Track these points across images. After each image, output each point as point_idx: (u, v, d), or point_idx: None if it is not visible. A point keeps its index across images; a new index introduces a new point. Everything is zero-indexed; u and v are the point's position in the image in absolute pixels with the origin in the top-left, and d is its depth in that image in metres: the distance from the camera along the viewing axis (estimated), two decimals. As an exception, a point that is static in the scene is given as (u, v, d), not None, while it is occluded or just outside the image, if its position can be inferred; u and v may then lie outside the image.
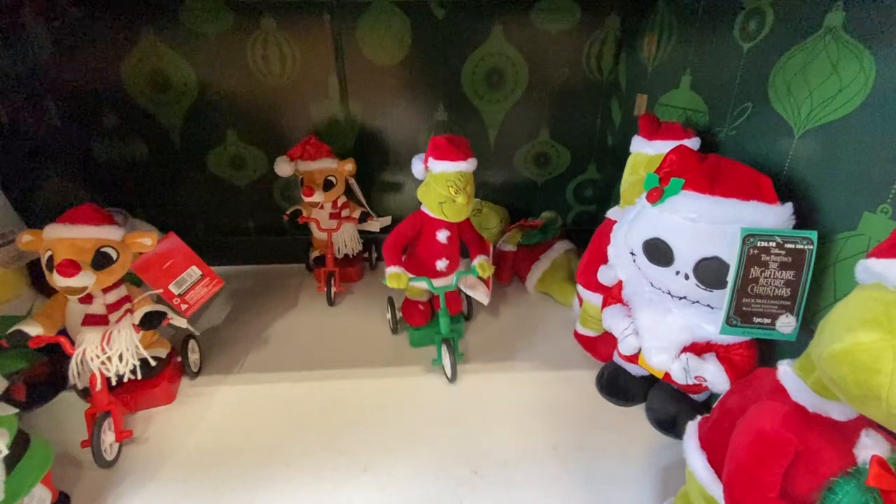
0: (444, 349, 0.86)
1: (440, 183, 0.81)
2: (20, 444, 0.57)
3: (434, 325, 0.94)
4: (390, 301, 1.02)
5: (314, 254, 1.24)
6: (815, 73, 0.59)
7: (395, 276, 0.84)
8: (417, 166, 0.86)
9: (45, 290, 0.85)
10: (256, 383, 0.87)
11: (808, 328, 0.58)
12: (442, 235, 0.87)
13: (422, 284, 0.88)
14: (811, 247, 0.55)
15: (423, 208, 0.87)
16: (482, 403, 0.82)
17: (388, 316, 1.01)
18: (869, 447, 0.42)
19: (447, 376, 0.86)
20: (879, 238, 0.50)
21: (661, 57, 0.96)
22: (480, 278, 0.92)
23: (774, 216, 0.57)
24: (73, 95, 1.08)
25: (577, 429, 0.77)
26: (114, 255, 0.70)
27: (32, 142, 1.04)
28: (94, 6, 1.01)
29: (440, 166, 0.81)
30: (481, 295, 0.92)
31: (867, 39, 0.53)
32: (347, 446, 0.73)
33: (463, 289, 0.92)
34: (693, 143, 0.75)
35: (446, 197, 0.81)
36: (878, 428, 0.43)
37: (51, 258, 0.66)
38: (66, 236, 0.67)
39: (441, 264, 0.90)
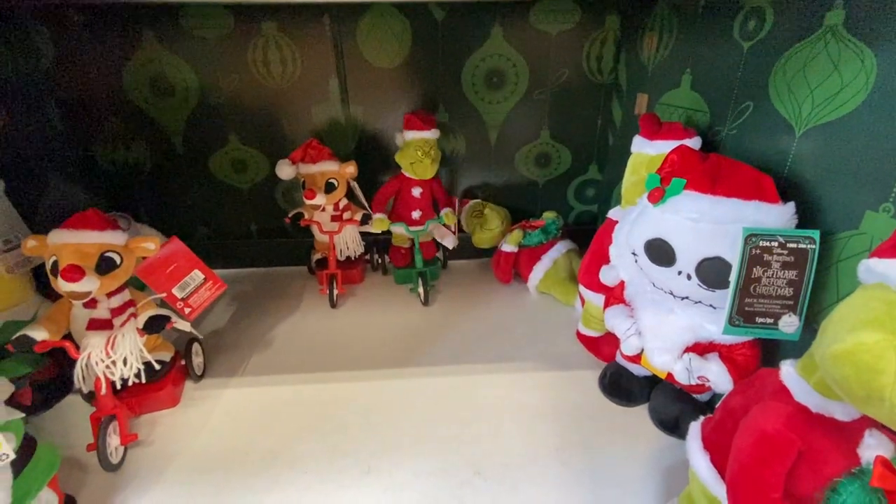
0: (419, 281, 1.12)
1: (411, 148, 1.06)
2: (27, 448, 0.57)
3: (413, 266, 1.18)
4: (374, 244, 1.27)
5: (316, 256, 1.24)
6: (816, 72, 0.59)
7: (379, 220, 1.11)
8: (398, 137, 1.11)
9: (51, 295, 0.85)
10: (260, 386, 0.87)
11: (810, 328, 0.58)
12: (416, 191, 1.14)
13: (399, 228, 1.14)
14: (813, 246, 0.55)
15: (403, 171, 1.11)
16: (484, 404, 0.82)
17: (376, 259, 1.28)
18: (873, 447, 0.42)
19: (421, 300, 1.13)
20: (882, 237, 0.50)
21: (662, 56, 0.96)
22: (447, 226, 1.16)
23: (776, 216, 0.57)
24: (75, 100, 1.09)
25: (579, 429, 0.77)
26: (117, 260, 0.70)
27: (36, 147, 1.04)
28: (97, 12, 1.02)
29: (410, 135, 1.06)
30: (449, 240, 1.17)
31: (868, 37, 0.53)
32: (351, 448, 0.73)
33: (435, 236, 1.20)
34: (694, 142, 0.75)
35: (415, 158, 1.06)
36: (882, 428, 0.43)
37: (55, 263, 0.67)
38: (70, 241, 0.68)
39: (415, 214, 1.15)
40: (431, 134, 1.07)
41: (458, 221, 1.31)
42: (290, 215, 1.15)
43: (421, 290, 1.12)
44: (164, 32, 1.05)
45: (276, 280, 1.27)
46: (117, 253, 0.70)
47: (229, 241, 1.30)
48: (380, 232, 1.19)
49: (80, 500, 0.65)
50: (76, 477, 0.69)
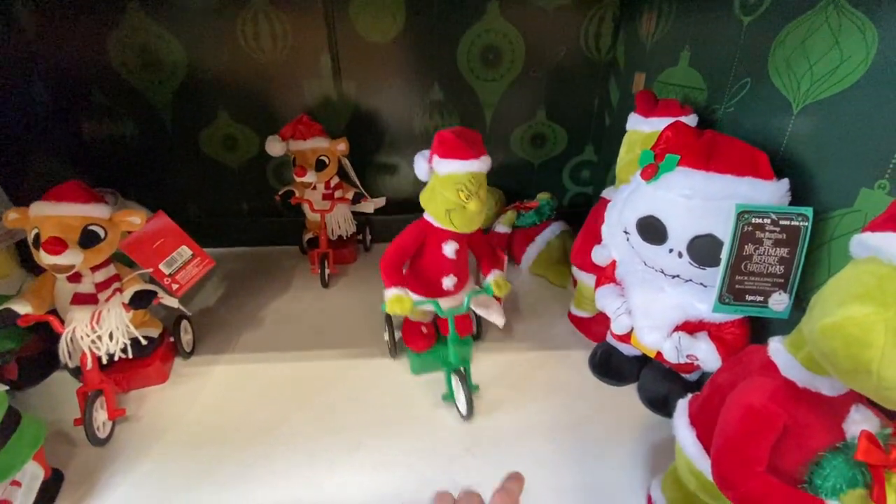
0: (454, 381, 0.73)
1: (448, 187, 0.69)
2: (11, 421, 0.57)
3: (440, 350, 0.82)
4: (387, 320, 0.87)
5: (308, 235, 1.23)
6: (816, 47, 0.58)
7: (396, 300, 0.70)
8: (421, 166, 0.72)
9: (36, 269, 0.84)
10: (250, 363, 0.87)
11: (800, 306, 0.57)
12: (449, 248, 0.75)
13: (428, 308, 0.75)
14: (806, 223, 0.54)
15: (427, 216, 0.75)
16: (475, 382, 0.82)
17: (386, 337, 0.87)
18: (858, 422, 0.42)
19: (461, 413, 0.73)
20: (876, 214, 0.50)
21: (660, 34, 0.94)
22: (495, 297, 0.78)
23: (770, 192, 0.56)
24: (60, 73, 1.06)
25: (569, 408, 0.77)
26: (101, 234, 0.69)
27: (19, 121, 1.02)
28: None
29: (448, 167, 0.69)
30: (496, 316, 0.78)
31: (871, 9, 0.51)
32: (341, 426, 0.73)
33: (474, 309, 0.80)
34: (690, 119, 0.73)
35: (455, 203, 0.69)
36: (868, 403, 0.43)
37: (37, 236, 0.65)
38: (52, 214, 0.66)
39: (448, 282, 0.78)
40: (481, 164, 0.71)
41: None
42: (280, 193, 1.13)
43: (460, 395, 0.73)
44: (149, 2, 1.02)
45: (267, 259, 1.26)
46: (101, 226, 0.69)
47: (220, 219, 1.28)
48: (373, 211, 1.18)
49: (67, 474, 0.65)
50: (64, 451, 0.68)
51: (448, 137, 0.69)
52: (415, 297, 0.75)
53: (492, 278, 0.78)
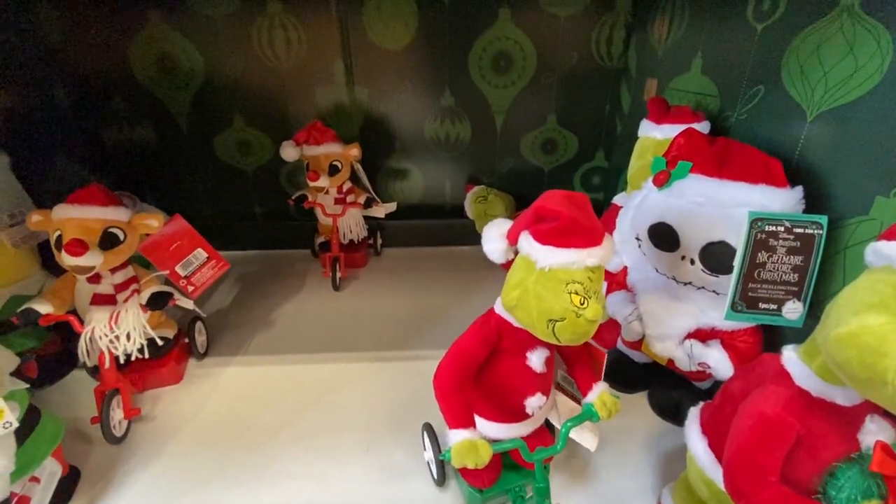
0: None
1: (554, 286, 0.45)
2: (31, 418, 0.58)
3: (509, 482, 0.59)
4: (429, 430, 0.65)
5: (319, 239, 1.25)
6: (831, 54, 0.57)
7: (468, 447, 0.49)
8: (496, 245, 0.50)
9: (56, 270, 0.86)
10: (263, 365, 0.88)
11: (814, 315, 0.57)
12: (537, 359, 0.53)
13: (509, 446, 0.52)
14: (821, 231, 0.54)
15: (502, 312, 0.53)
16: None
17: (428, 456, 0.65)
18: (873, 433, 0.41)
19: None
20: (892, 222, 0.49)
21: (672, 40, 0.94)
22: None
23: (783, 200, 0.56)
24: (81, 79, 1.09)
25: (579, 414, 0.77)
26: (121, 236, 0.70)
27: (42, 124, 1.05)
28: (102, -11, 1.01)
29: (556, 257, 0.45)
30: (588, 439, 0.60)
31: (886, 17, 0.51)
32: (352, 427, 0.74)
33: (571, 436, 0.56)
34: (702, 126, 0.73)
35: (566, 310, 0.45)
36: (884, 414, 0.42)
37: (59, 238, 0.67)
38: (74, 216, 0.68)
39: (533, 403, 0.55)
40: (602, 253, 0.46)
41: (462, 207, 1.28)
42: (293, 197, 1.15)
43: None
44: (169, 11, 1.04)
45: (279, 262, 1.27)
46: (121, 229, 0.70)
47: (233, 222, 1.30)
48: (384, 216, 1.19)
49: (84, 472, 0.66)
50: (81, 449, 0.70)
51: (554, 212, 0.45)
52: (487, 426, 0.54)
53: (595, 397, 0.56)
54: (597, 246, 0.46)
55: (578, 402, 0.60)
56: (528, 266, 0.47)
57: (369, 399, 0.80)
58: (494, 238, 0.50)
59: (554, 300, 0.45)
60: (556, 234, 0.45)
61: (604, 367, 0.57)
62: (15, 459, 0.52)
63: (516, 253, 0.50)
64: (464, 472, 0.59)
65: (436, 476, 0.64)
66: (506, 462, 0.60)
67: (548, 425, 0.64)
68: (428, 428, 0.66)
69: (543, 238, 0.46)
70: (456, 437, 0.50)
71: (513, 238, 0.49)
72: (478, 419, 0.55)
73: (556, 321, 0.46)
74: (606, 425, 0.74)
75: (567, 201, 0.46)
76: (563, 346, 0.55)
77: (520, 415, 0.55)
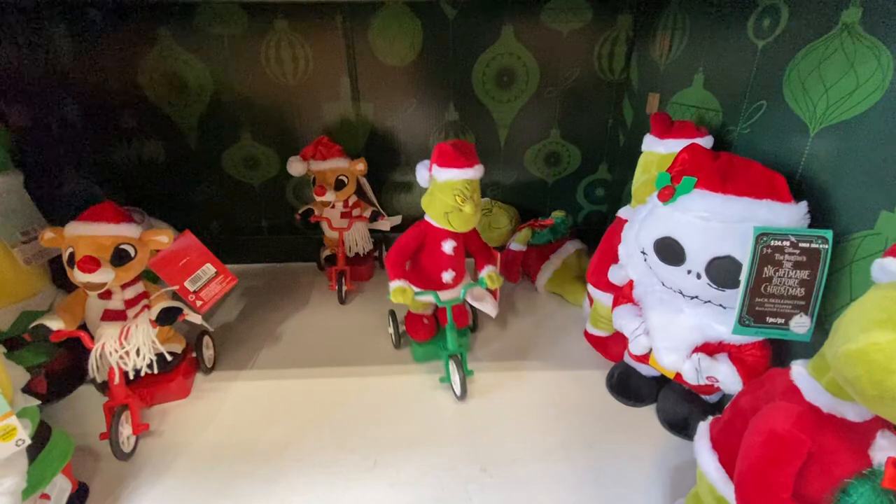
0: (452, 365, 0.83)
1: (446, 192, 0.78)
2: (42, 435, 0.59)
3: (440, 340, 0.91)
4: (392, 314, 0.98)
5: (325, 253, 1.25)
6: (832, 71, 0.58)
7: (399, 290, 0.80)
8: (422, 174, 0.83)
9: (67, 286, 0.87)
10: (269, 379, 0.88)
11: (822, 328, 0.57)
12: (448, 246, 0.83)
13: (428, 298, 0.84)
14: (826, 246, 0.54)
15: (427, 218, 0.84)
16: (492, 402, 0.82)
17: (391, 330, 0.98)
18: (885, 449, 0.41)
19: (456, 393, 0.83)
20: (897, 237, 0.50)
21: (674, 55, 0.95)
22: (489, 289, 0.88)
23: (788, 215, 0.57)
24: (92, 97, 1.11)
25: (586, 429, 0.76)
26: (132, 252, 0.71)
27: (54, 142, 1.06)
28: (114, 9, 1.03)
29: (445, 174, 0.78)
30: (489, 307, 0.87)
31: (885, 35, 0.52)
32: (358, 443, 0.74)
33: (470, 301, 0.87)
34: (706, 141, 0.74)
35: (452, 206, 0.78)
36: (894, 429, 0.42)
37: (72, 255, 0.68)
38: (86, 234, 0.69)
39: (447, 276, 0.86)
40: (475, 172, 0.79)
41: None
42: (300, 212, 1.16)
43: (456, 378, 0.82)
44: (179, 30, 1.07)
45: (285, 276, 1.28)
46: (132, 245, 0.71)
47: (240, 236, 1.31)
48: (389, 229, 1.20)
49: (92, 488, 0.66)
50: (89, 465, 0.70)
51: (446, 149, 0.78)
52: (416, 289, 0.83)
53: (485, 272, 0.87)
54: (471, 168, 0.78)
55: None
56: (434, 182, 0.80)
57: (375, 413, 0.80)
58: (421, 170, 0.82)
59: (447, 199, 0.78)
60: (447, 160, 0.78)
61: (498, 261, 0.90)
62: (26, 477, 0.52)
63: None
64: (410, 331, 0.93)
65: (394, 340, 0.97)
66: (442, 334, 0.90)
67: (469, 308, 0.98)
68: (392, 313, 0.98)
69: (440, 163, 0.78)
70: (394, 284, 0.81)
71: (430, 170, 0.81)
72: (419, 293, 0.83)
73: (449, 213, 0.79)
74: (614, 439, 0.74)
75: (454, 144, 0.79)
76: (468, 241, 0.88)
77: (440, 285, 0.87)
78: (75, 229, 0.69)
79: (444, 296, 0.86)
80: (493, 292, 0.89)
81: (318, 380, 0.88)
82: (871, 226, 0.53)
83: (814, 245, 0.55)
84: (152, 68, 1.09)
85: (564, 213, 1.21)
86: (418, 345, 0.93)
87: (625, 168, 1.22)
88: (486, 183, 1.30)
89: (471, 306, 0.97)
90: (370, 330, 1.03)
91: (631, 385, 0.82)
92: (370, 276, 1.26)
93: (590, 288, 0.93)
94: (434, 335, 0.93)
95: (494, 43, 1.12)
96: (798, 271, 0.55)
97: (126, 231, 0.71)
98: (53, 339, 0.68)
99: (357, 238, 1.18)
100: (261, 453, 0.72)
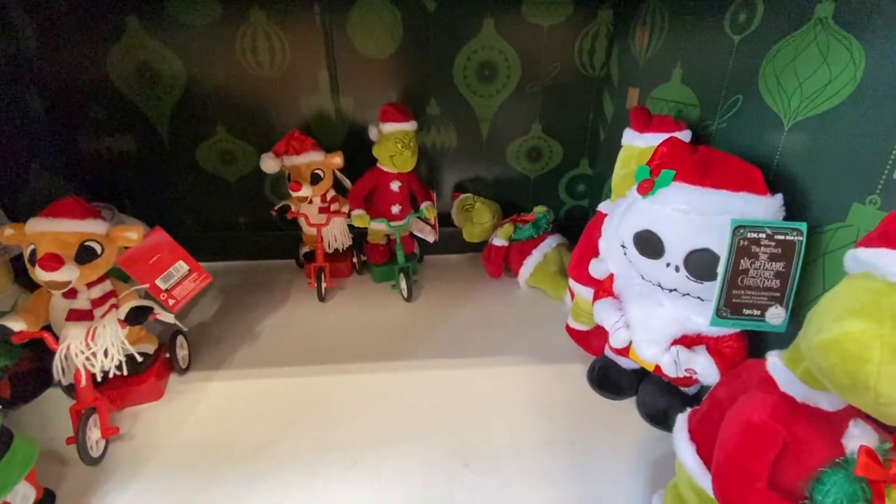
0: (401, 277, 1.10)
1: (390, 140, 1.04)
2: (3, 441, 0.56)
3: (392, 263, 1.16)
4: (354, 245, 1.22)
5: (304, 249, 1.23)
6: (805, 65, 0.59)
7: (359, 217, 1.08)
8: (373, 131, 1.07)
9: (30, 285, 0.83)
10: (246, 379, 0.86)
11: (796, 319, 0.58)
12: (394, 185, 1.11)
13: (380, 224, 1.11)
14: (801, 238, 0.55)
15: (379, 165, 1.09)
16: (473, 397, 0.82)
17: (354, 260, 1.23)
18: (857, 437, 0.42)
19: (404, 297, 1.11)
20: (868, 228, 0.50)
21: (653, 50, 0.96)
22: (426, 221, 1.14)
23: (764, 208, 0.57)
24: (58, 87, 1.06)
25: (568, 422, 0.77)
26: (98, 250, 0.68)
27: (16, 135, 1.02)
28: (79, -3, 0.99)
29: (388, 127, 1.04)
30: (429, 234, 1.16)
31: (857, 29, 0.53)
32: (338, 442, 0.73)
33: (414, 231, 1.16)
34: (684, 135, 0.75)
35: (395, 151, 1.04)
36: (867, 418, 0.43)
37: (33, 252, 0.65)
38: (49, 230, 0.66)
39: (395, 209, 1.13)
40: (410, 126, 1.05)
41: (449, 215, 1.30)
42: (276, 207, 1.13)
43: (404, 285, 1.10)
44: (148, 19, 1.03)
45: (263, 273, 1.25)
46: (98, 242, 0.68)
47: (217, 233, 1.28)
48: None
49: (59, 494, 0.64)
50: (56, 471, 0.67)
51: (388, 108, 1.04)
52: (375, 224, 1.11)
53: (424, 206, 1.12)
54: (406, 122, 1.04)
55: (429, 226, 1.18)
56: (381, 134, 1.06)
57: (355, 413, 0.78)
58: (372, 129, 1.08)
59: (390, 146, 1.04)
60: (389, 117, 1.04)
61: (434, 198, 1.15)
62: (-16, 485, 0.50)
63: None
64: (369, 257, 1.20)
65: (355, 267, 1.25)
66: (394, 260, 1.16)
67: (414, 237, 1.24)
68: (354, 243, 1.22)
69: (384, 119, 1.04)
70: (355, 212, 1.09)
71: (378, 126, 1.07)
72: (372, 220, 1.10)
73: (393, 156, 1.05)
74: (595, 432, 0.74)
75: (394, 104, 1.05)
76: (410, 184, 1.14)
77: (391, 216, 1.13)
78: (37, 226, 0.66)
79: (393, 223, 1.12)
80: (431, 225, 1.16)
81: (296, 379, 0.86)
82: (844, 218, 0.54)
83: (789, 237, 0.55)
84: (121, 58, 1.05)
85: (546, 209, 1.21)
86: (376, 266, 1.19)
87: (605, 163, 1.22)
88: (468, 178, 1.30)
89: (416, 238, 1.24)
90: (350, 327, 1.02)
91: (611, 378, 0.82)
92: (350, 272, 1.24)
93: (571, 282, 0.93)
94: (388, 260, 1.20)
95: (475, 36, 1.11)
96: (773, 263, 0.56)
97: (92, 227, 0.68)
98: (15, 340, 0.65)
99: (336, 234, 1.16)
100: (237, 455, 0.70)
